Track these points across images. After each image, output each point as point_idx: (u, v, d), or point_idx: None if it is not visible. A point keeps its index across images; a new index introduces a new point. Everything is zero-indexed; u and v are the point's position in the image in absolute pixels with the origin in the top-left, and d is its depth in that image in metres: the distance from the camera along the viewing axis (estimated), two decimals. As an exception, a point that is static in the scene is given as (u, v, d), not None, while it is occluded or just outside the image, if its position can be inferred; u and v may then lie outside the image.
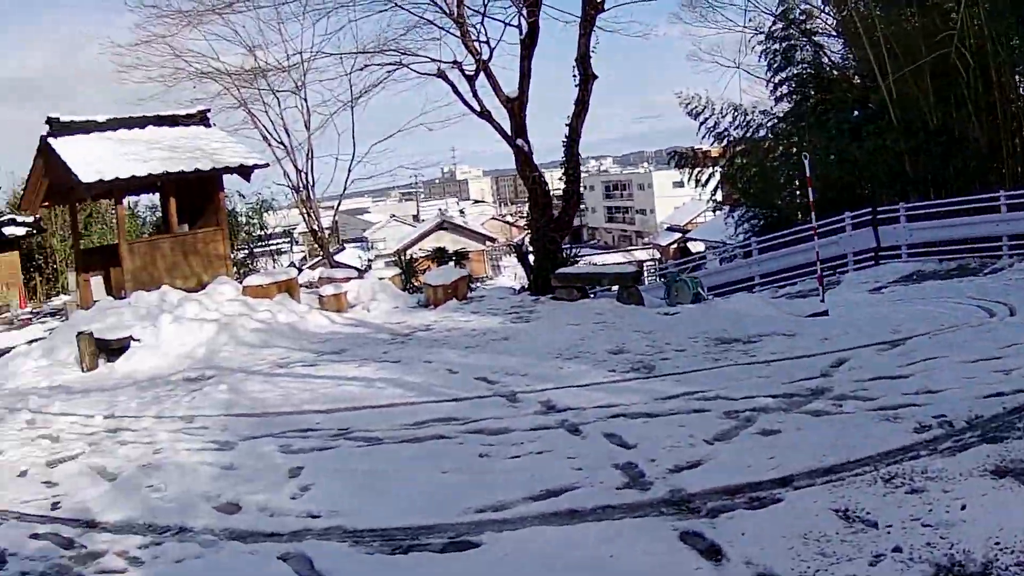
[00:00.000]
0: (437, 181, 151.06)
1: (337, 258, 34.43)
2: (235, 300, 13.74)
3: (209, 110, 20.06)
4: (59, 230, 32.31)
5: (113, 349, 12.53)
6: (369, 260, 50.05)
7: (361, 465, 6.33)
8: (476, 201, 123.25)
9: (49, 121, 17.38)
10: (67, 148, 17.03)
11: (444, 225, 66.38)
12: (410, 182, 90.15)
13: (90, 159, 16.66)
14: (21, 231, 29.66)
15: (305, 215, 20.24)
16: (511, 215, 70.38)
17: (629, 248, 76.64)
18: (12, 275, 28.05)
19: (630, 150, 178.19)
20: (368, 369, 9.84)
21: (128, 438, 8.00)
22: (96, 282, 18.57)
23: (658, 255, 58.76)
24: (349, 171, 20.00)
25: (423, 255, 33.95)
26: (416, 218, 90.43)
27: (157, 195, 21.41)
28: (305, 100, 19.64)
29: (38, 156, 17.84)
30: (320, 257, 26.73)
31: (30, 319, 23.25)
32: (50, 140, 17.20)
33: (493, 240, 66.85)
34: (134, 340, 12.60)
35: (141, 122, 19.08)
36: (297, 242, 48.01)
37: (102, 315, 13.91)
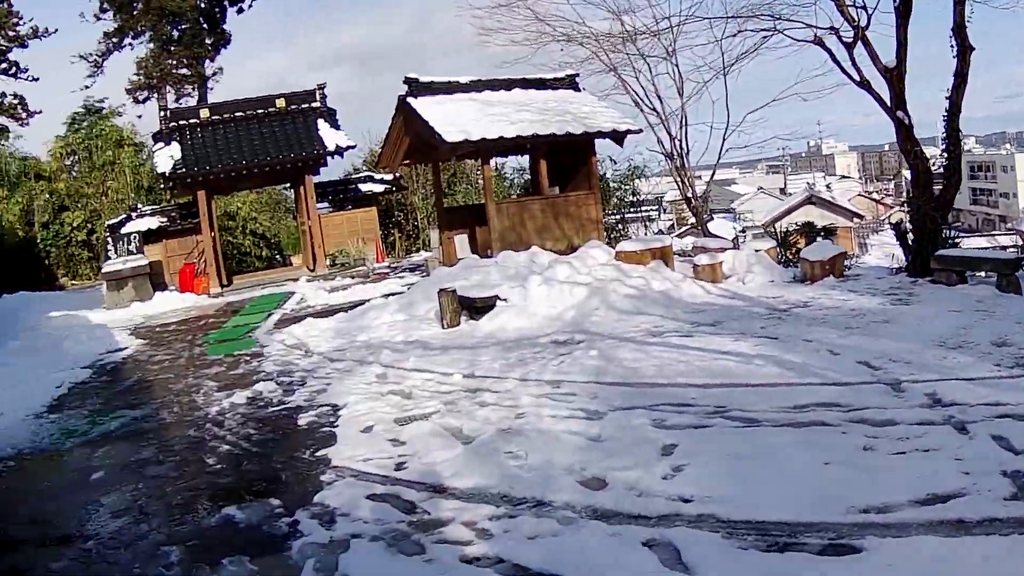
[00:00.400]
0: (803, 155, 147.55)
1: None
2: (607, 265, 13.89)
3: (578, 74, 20.46)
4: (420, 188, 34.44)
5: (477, 307, 13.04)
6: (740, 231, 49.74)
7: (738, 448, 6.15)
8: (842, 176, 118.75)
9: (408, 81, 18.48)
10: (428, 108, 18.05)
11: (812, 200, 64.44)
12: (777, 154, 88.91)
13: (453, 119, 17.54)
14: (379, 188, 32.08)
15: (679, 183, 20.17)
16: (877, 192, 67.28)
17: (992, 233, 70.98)
18: (369, 230, 30.42)
19: (993, 130, 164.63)
20: (745, 344, 9.56)
21: (488, 400, 8.27)
22: (460, 240, 19.60)
23: (1021, 242, 54.08)
24: (723, 140, 19.66)
25: (792, 229, 33.32)
26: (783, 191, 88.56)
27: (523, 157, 22.24)
28: (676, 66, 19.43)
29: (396, 115, 19.10)
30: (688, 226, 26.72)
31: (387, 274, 25.05)
32: (409, 100, 18.32)
33: (861, 217, 64.06)
34: (500, 300, 13.05)
35: (507, 84, 19.88)
36: (665, 210, 48.44)
37: (467, 273, 14.67)
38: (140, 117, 50.61)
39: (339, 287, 22.25)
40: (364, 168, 37.02)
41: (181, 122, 27.19)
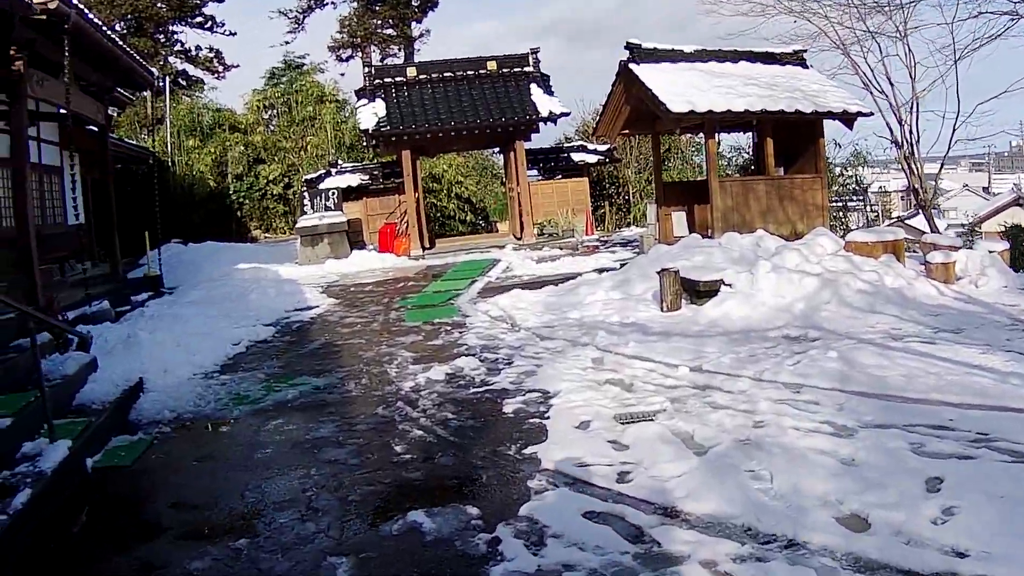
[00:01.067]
0: (1005, 154, 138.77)
1: (910, 222, 32.30)
2: (836, 255, 12.77)
3: (805, 50, 19.26)
4: (634, 161, 33.57)
5: (700, 291, 12.17)
6: (944, 229, 46.89)
7: (1011, 489, 5.08)
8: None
9: (630, 47, 17.61)
10: (651, 76, 17.15)
11: (1020, 201, 60.51)
12: (982, 151, 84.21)
13: (677, 89, 16.61)
14: (592, 159, 31.36)
15: (908, 173, 18.71)
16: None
17: None
18: (579, 201, 29.80)
19: None
20: (996, 359, 8.31)
21: (720, 400, 7.42)
22: (678, 217, 18.72)
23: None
24: (953, 130, 18.08)
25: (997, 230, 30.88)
26: (986, 190, 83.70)
27: (739, 136, 21.24)
28: (909, 48, 17.98)
29: (616, 82, 18.25)
30: (895, 219, 24.99)
31: (597, 247, 24.40)
32: (631, 66, 17.45)
33: (1076, 224, 59.63)
34: (725, 285, 12.14)
35: (732, 56, 18.81)
36: (870, 201, 46.09)
37: (688, 253, 13.75)
38: (343, 75, 52.02)
39: (547, 258, 21.77)
40: (576, 138, 36.43)
41: (387, 80, 27.28)
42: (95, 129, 19.18)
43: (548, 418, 7.42)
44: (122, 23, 44.41)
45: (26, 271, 12.81)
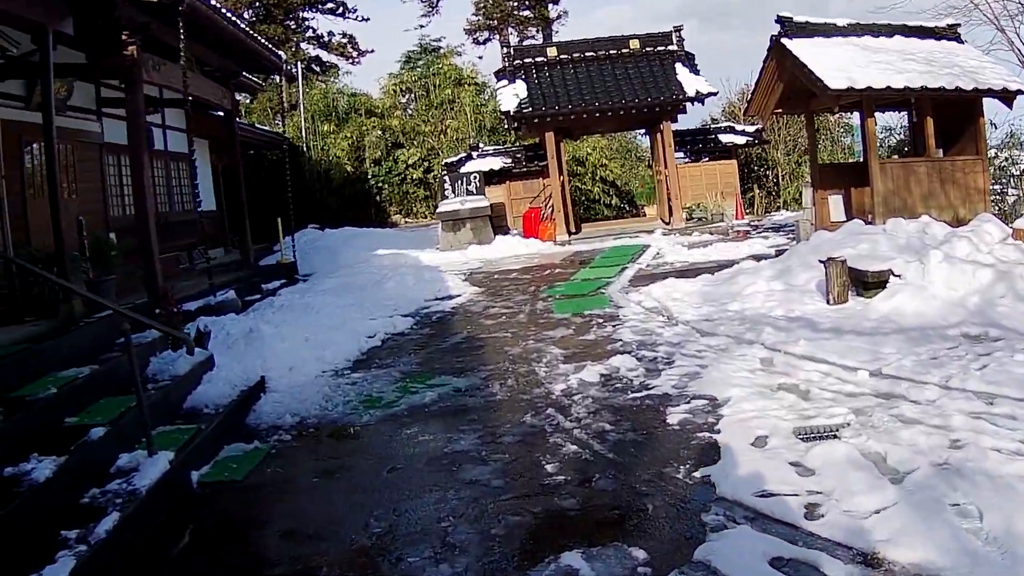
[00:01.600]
0: None
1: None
2: (1005, 244, 11.84)
3: (959, 24, 18.27)
4: (782, 142, 32.46)
5: (868, 283, 11.36)
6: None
7: None
8: None
9: (780, 20, 16.79)
10: (805, 51, 16.32)
11: None
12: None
13: (834, 64, 15.77)
14: (740, 140, 30.39)
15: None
16: None
17: None
18: (728, 184, 28.86)
19: None
20: None
21: (909, 413, 6.71)
22: (835, 201, 17.87)
23: None
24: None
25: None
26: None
27: (895, 113, 20.19)
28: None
29: (769, 58, 17.41)
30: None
31: (748, 232, 23.59)
32: (784, 41, 16.63)
33: None
34: (894, 275, 11.31)
35: (887, 30, 17.83)
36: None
37: (851, 240, 12.90)
38: (481, 58, 52.05)
39: (698, 244, 21.13)
40: (722, 119, 35.42)
41: (526, 60, 26.91)
42: (221, 114, 19.36)
43: (719, 432, 6.80)
44: (250, 11, 45.48)
45: (146, 259, 12.90)
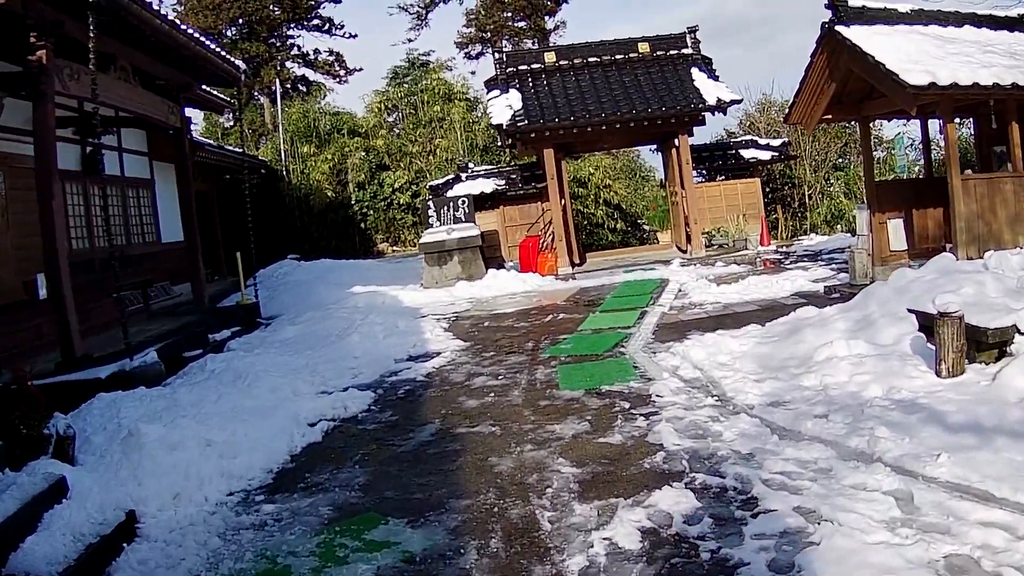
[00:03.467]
0: None
1: None
2: None
3: (1033, 11, 15.32)
4: (808, 157, 29.53)
5: (986, 343, 8.01)
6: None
7: None
8: None
9: (832, 5, 13.62)
10: (869, 40, 13.20)
11: None
12: None
13: (908, 56, 12.74)
14: (764, 155, 27.18)
15: None
16: None
17: None
18: (751, 205, 25.69)
19: None
20: None
21: None
22: (894, 226, 14.81)
23: None
24: None
25: None
26: None
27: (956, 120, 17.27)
28: None
29: (819, 52, 14.15)
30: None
31: (779, 261, 20.54)
32: (839, 29, 13.53)
33: None
34: (1020, 333, 7.94)
35: (956, 19, 14.76)
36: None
37: (948, 281, 9.41)
38: (473, 73, 49.72)
39: (726, 277, 17.92)
40: (738, 132, 32.52)
41: (521, 67, 24.04)
42: (171, 133, 16.85)
43: None
44: (233, 29, 43.49)
45: (58, 309, 11.04)
